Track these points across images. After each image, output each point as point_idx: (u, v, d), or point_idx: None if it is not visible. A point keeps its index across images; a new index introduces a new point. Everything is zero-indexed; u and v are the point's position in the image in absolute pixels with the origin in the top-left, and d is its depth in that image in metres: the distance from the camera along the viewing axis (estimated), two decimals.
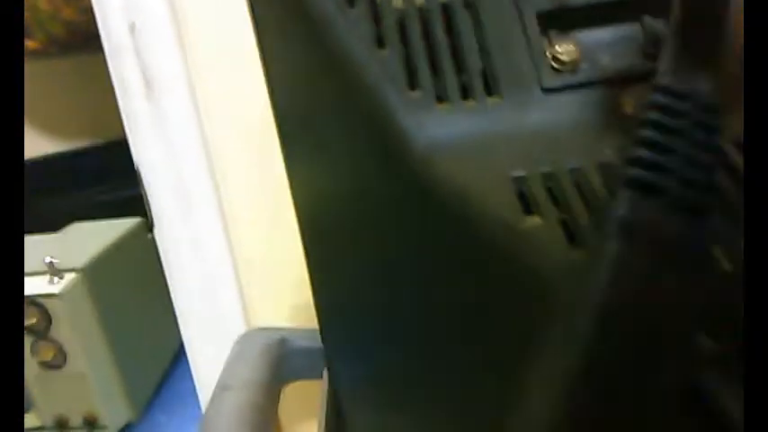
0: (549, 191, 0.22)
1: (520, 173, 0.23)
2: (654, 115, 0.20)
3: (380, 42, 0.26)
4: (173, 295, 0.75)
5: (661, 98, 0.20)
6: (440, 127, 0.24)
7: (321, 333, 0.36)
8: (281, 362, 0.65)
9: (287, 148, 0.32)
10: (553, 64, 0.26)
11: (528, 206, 0.22)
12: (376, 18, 0.27)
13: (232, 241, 0.74)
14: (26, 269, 0.83)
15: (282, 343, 0.67)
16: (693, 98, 0.20)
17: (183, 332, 0.77)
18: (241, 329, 0.75)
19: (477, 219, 0.23)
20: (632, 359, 0.19)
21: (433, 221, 0.25)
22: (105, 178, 1.07)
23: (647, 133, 0.20)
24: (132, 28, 0.68)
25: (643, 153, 0.19)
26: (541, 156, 0.23)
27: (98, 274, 0.85)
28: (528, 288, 0.22)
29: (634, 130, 0.20)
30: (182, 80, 0.69)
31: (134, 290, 0.94)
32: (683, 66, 0.21)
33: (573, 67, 0.26)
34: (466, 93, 0.25)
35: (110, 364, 0.85)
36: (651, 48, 0.25)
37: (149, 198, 0.73)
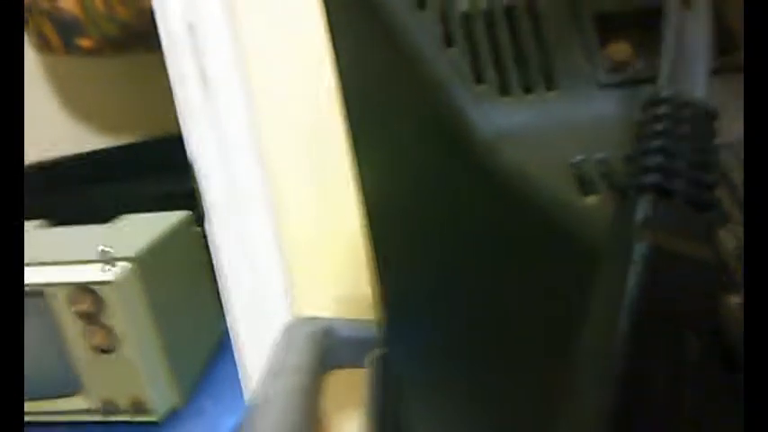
0: (605, 175, 0.25)
1: (577, 158, 0.25)
2: (659, 125, 0.22)
3: (448, 42, 0.29)
4: (221, 285, 0.79)
5: (664, 109, 0.23)
6: (504, 118, 0.27)
7: (382, 318, 0.38)
8: (326, 350, 0.67)
9: (357, 142, 0.35)
10: (608, 63, 0.28)
11: (585, 187, 0.25)
12: (444, 19, 0.29)
13: (280, 234, 0.77)
14: (80, 257, 0.87)
15: (328, 332, 0.70)
16: (692, 105, 0.23)
17: (229, 320, 0.80)
18: (286, 318, 0.77)
19: (538, 199, 0.25)
20: (664, 355, 0.20)
21: (497, 204, 0.27)
22: (152, 172, 1.11)
23: (656, 142, 0.22)
24: (190, 27, 0.71)
25: (654, 160, 0.22)
26: (597, 144, 0.26)
27: (148, 263, 0.88)
28: (584, 265, 0.24)
29: (641, 140, 0.23)
30: (236, 77, 0.72)
31: (181, 279, 0.98)
32: (681, 73, 0.24)
33: (626, 65, 0.28)
34: (527, 88, 0.28)
35: (158, 350, 0.88)
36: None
37: (202, 190, 0.76)
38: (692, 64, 0.24)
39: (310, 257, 0.76)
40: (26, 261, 0.91)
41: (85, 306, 0.85)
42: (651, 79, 0.27)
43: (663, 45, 0.24)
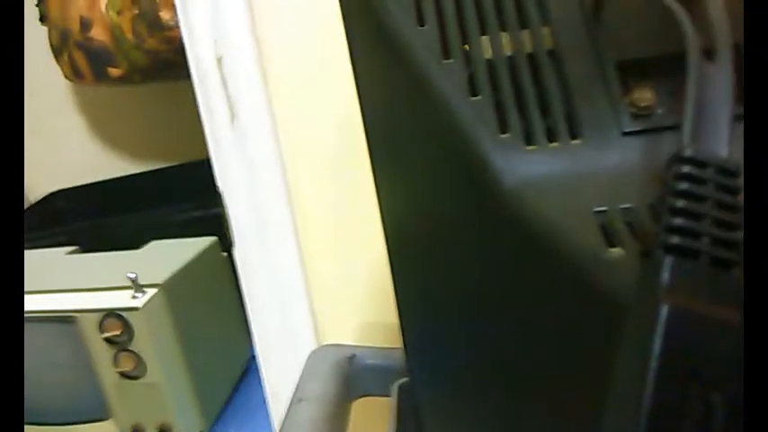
0: (630, 225, 0.25)
1: (602, 208, 0.26)
2: (683, 186, 0.23)
3: (473, 90, 0.29)
4: (248, 311, 0.80)
5: (687, 169, 0.23)
6: (528, 167, 0.27)
7: (404, 346, 0.39)
8: (351, 378, 0.68)
9: (379, 181, 0.36)
10: (631, 109, 0.28)
11: (610, 239, 0.25)
12: (468, 68, 0.30)
13: (305, 261, 0.78)
14: (110, 284, 0.88)
15: (352, 360, 0.70)
16: (714, 163, 0.23)
17: (256, 346, 0.81)
18: (312, 345, 0.78)
19: (563, 250, 0.26)
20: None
21: (522, 252, 0.28)
22: (180, 197, 1.13)
23: (680, 203, 0.22)
24: (219, 60, 0.73)
25: (678, 222, 0.22)
26: (621, 192, 0.26)
27: (176, 289, 0.90)
28: (609, 316, 0.24)
29: (666, 198, 0.23)
30: (264, 109, 0.74)
31: (208, 305, 0.99)
32: (704, 129, 0.24)
33: (649, 112, 0.28)
34: (551, 135, 0.28)
35: (185, 376, 0.89)
36: None
37: (229, 218, 0.77)
38: (714, 118, 0.24)
39: (335, 284, 0.77)
40: (58, 287, 0.93)
41: (115, 332, 0.86)
42: (675, 126, 0.27)
43: (685, 99, 0.24)
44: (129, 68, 1.10)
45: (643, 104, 0.28)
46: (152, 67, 1.10)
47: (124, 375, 0.88)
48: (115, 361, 0.87)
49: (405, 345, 0.39)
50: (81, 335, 0.87)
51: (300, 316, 0.78)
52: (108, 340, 0.87)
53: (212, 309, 1.00)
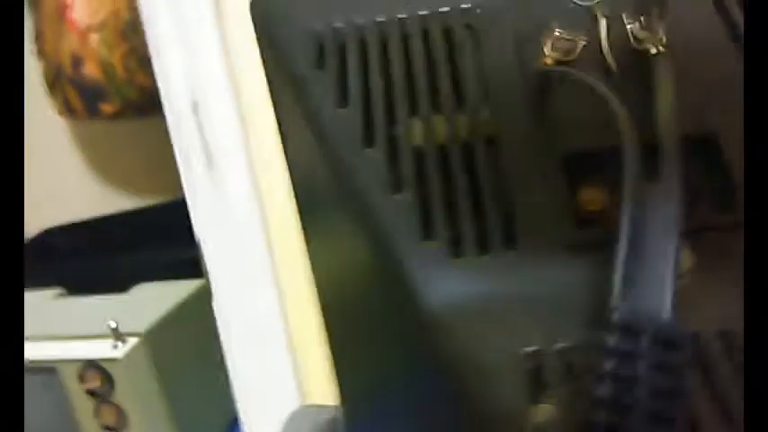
0: (565, 375, 0.20)
1: (533, 347, 0.21)
2: (609, 364, 0.18)
3: (397, 184, 0.25)
4: (229, 367, 0.76)
5: (613, 341, 0.18)
6: (454, 286, 0.23)
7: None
8: None
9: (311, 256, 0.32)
10: (579, 215, 0.24)
11: (538, 393, 0.20)
12: (394, 157, 0.26)
13: (288, 314, 0.74)
14: (90, 332, 0.85)
15: (333, 422, 0.66)
16: (650, 331, 0.18)
17: (237, 403, 0.77)
18: (295, 403, 0.74)
19: (485, 394, 0.21)
20: None
21: (444, 384, 0.24)
22: (174, 236, 1.10)
23: (602, 390, 0.18)
24: (195, 106, 0.70)
25: (605, 393, 0.17)
26: (559, 326, 0.21)
27: (160, 337, 0.86)
28: None
29: (594, 364, 0.18)
30: (241, 155, 0.70)
31: (195, 353, 0.95)
32: (640, 280, 0.19)
33: (599, 215, 0.24)
34: (483, 244, 0.24)
35: (168, 430, 0.86)
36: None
37: (208, 270, 0.74)
38: (654, 262, 0.20)
39: (318, 340, 0.73)
40: (40, 334, 0.90)
41: (96, 384, 0.83)
42: None
43: (618, 237, 0.20)
44: (121, 104, 1.09)
45: (591, 208, 0.24)
46: (145, 103, 1.08)
47: (106, 428, 0.85)
48: (96, 413, 0.84)
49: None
50: (63, 386, 0.84)
51: (282, 371, 0.74)
52: (89, 392, 0.83)
53: (199, 357, 0.96)
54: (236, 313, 0.74)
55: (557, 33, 0.26)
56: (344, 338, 0.32)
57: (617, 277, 0.19)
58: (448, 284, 0.23)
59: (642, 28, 0.25)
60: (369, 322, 0.29)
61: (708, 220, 0.24)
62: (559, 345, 0.21)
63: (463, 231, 0.24)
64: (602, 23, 0.26)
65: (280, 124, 0.32)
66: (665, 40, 0.25)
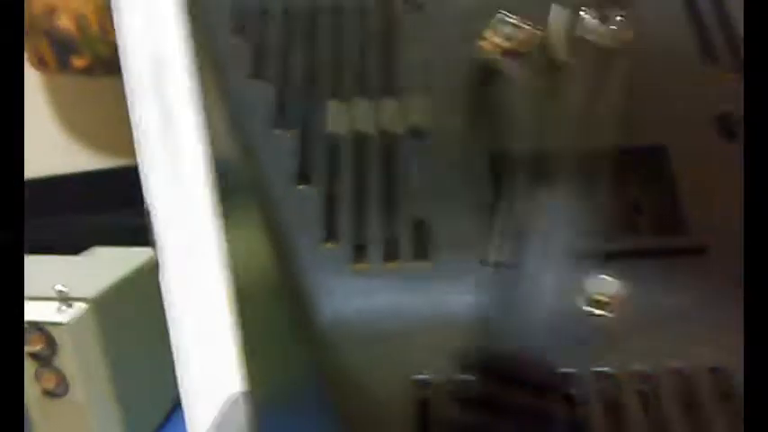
0: (460, 403, 0.18)
1: (424, 376, 0.18)
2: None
3: (305, 175, 0.22)
4: (173, 344, 0.73)
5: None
6: (351, 297, 0.20)
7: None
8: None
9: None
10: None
11: (427, 421, 0.18)
12: (305, 141, 0.22)
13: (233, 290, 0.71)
14: (37, 293, 0.82)
15: None
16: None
17: (180, 382, 0.74)
18: (237, 388, 0.71)
19: (373, 421, 0.18)
20: None
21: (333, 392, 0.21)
22: (141, 200, 1.06)
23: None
24: (154, 65, 0.66)
25: None
26: (462, 353, 0.19)
27: (108, 305, 0.84)
28: None
29: None
30: (198, 119, 0.67)
31: (144, 325, 0.92)
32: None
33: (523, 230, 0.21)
34: (391, 252, 0.21)
35: (111, 399, 0.84)
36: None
37: (155, 240, 0.71)
38: (535, 295, 0.17)
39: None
40: None
41: (38, 347, 0.80)
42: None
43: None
44: (92, 59, 1.05)
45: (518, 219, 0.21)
46: (116, 60, 1.04)
47: (46, 393, 0.82)
48: (37, 377, 0.82)
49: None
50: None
51: (226, 353, 0.71)
52: (31, 354, 0.81)
53: (149, 329, 0.93)
54: (182, 289, 0.71)
55: (507, 19, 0.23)
56: (252, 330, 0.30)
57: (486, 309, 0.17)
58: (345, 295, 0.20)
59: (602, 23, 0.23)
60: (274, 316, 0.27)
61: (644, 242, 0.21)
62: (452, 375, 0.18)
63: (369, 232, 0.21)
64: (557, 13, 0.23)
65: (202, 96, 0.29)
66: (624, 38, 0.22)
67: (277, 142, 0.22)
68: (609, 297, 0.18)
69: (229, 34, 0.25)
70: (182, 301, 0.71)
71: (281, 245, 0.22)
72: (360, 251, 0.21)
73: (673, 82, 0.22)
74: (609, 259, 0.19)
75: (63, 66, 1.08)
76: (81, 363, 0.80)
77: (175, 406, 0.99)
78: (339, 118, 0.23)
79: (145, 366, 0.92)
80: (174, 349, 0.73)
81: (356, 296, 0.20)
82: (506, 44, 0.23)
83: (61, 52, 1.07)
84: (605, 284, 0.18)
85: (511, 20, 0.23)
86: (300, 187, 0.22)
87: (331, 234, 0.21)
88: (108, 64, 1.06)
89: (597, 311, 0.18)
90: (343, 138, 0.22)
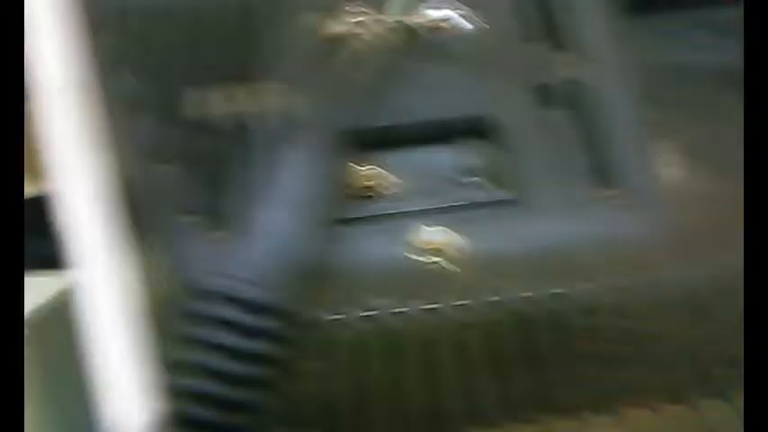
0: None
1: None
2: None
3: (163, 156, 0.23)
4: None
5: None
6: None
7: None
8: None
9: None
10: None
11: None
12: (163, 125, 0.24)
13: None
14: None
15: None
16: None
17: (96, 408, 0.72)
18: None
19: None
20: None
21: None
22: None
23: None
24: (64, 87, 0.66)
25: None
26: None
27: (35, 328, 0.82)
28: None
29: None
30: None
31: (74, 348, 0.90)
32: None
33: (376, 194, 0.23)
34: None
35: (36, 424, 0.82)
36: None
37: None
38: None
39: None
40: None
41: None
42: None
43: None
44: None
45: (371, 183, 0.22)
46: None
47: None
48: None
49: None
50: None
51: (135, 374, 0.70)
52: None
53: (77, 356, 0.91)
54: (95, 318, 0.69)
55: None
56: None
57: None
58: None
59: (443, 5, 0.24)
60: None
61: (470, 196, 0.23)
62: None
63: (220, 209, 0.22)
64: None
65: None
66: (466, 25, 0.24)
67: (139, 127, 0.24)
68: (441, 246, 0.20)
69: (99, 25, 0.26)
70: (95, 328, 0.70)
71: (141, 223, 0.23)
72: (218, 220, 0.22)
73: (499, 59, 0.24)
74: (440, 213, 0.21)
75: None
76: None
77: None
78: (194, 104, 0.24)
79: (75, 394, 0.90)
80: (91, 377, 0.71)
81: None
82: (350, 27, 0.24)
83: None
84: (437, 234, 0.20)
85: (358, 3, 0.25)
86: (158, 166, 0.23)
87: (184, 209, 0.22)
88: None
89: (431, 259, 0.19)
90: (200, 122, 0.24)
